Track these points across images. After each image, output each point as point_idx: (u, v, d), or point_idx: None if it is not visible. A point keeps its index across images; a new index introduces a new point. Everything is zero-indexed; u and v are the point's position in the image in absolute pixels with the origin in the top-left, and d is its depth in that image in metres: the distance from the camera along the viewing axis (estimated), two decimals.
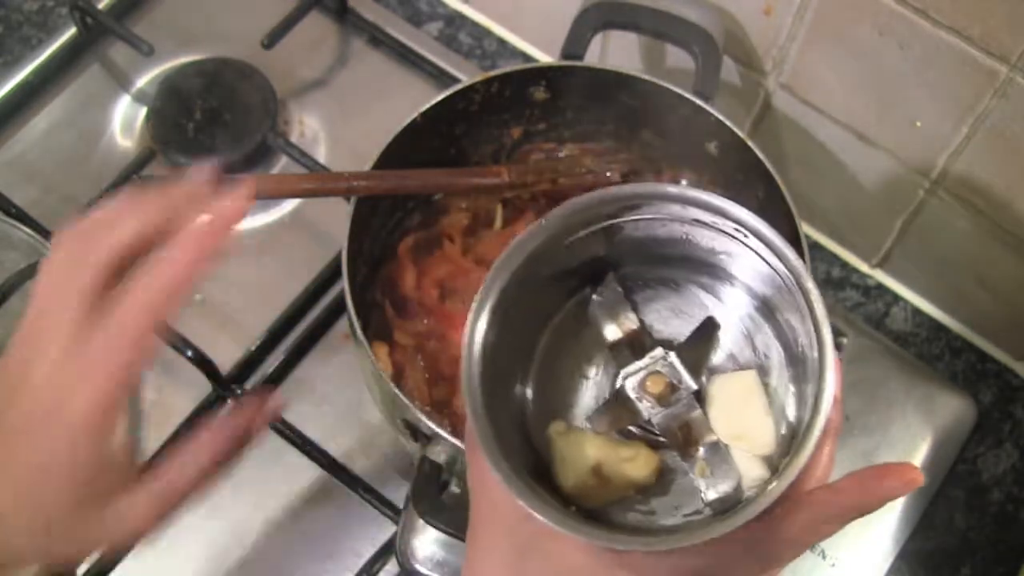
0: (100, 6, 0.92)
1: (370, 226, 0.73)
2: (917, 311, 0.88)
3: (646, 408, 0.44)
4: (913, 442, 0.81)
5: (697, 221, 0.44)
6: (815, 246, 0.90)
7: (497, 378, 0.44)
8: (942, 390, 0.83)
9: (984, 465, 0.82)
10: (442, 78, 0.91)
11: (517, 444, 0.45)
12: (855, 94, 0.76)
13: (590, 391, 0.47)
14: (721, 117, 0.73)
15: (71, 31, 0.91)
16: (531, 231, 0.44)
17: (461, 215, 0.79)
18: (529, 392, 0.47)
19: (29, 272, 0.81)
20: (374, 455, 0.78)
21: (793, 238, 0.70)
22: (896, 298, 0.88)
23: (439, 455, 0.66)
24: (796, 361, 0.45)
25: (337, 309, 0.82)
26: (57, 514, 0.46)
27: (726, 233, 0.44)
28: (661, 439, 0.44)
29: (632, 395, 0.44)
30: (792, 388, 0.45)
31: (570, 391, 0.47)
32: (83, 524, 0.47)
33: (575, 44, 0.76)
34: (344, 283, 0.67)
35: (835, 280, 0.89)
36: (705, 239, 0.45)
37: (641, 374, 0.44)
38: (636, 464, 0.44)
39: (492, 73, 0.74)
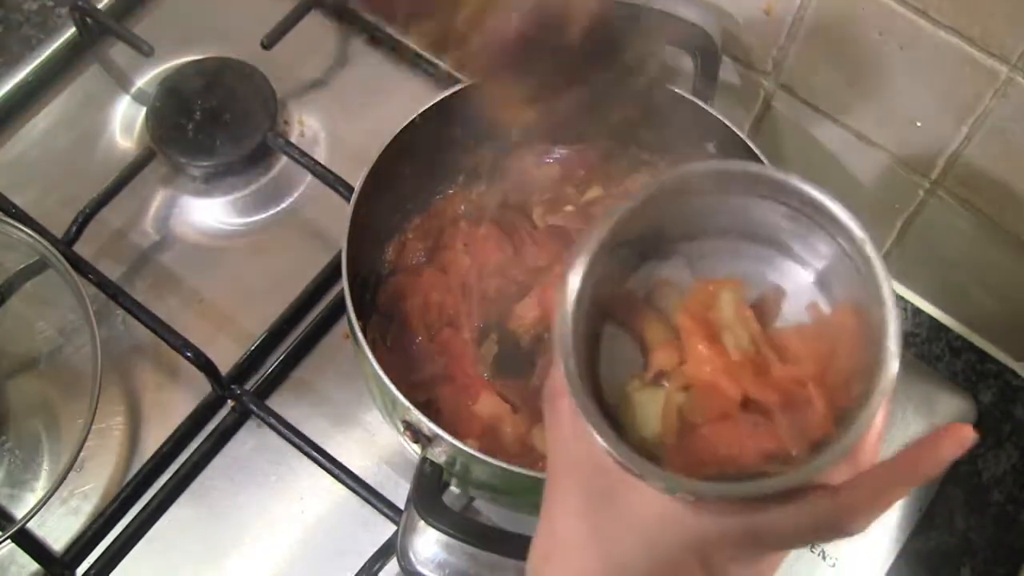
0: (100, 6, 0.92)
1: (369, 227, 0.73)
2: (917, 311, 0.88)
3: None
4: None
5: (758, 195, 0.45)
6: None
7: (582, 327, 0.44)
8: (942, 390, 0.83)
9: (984, 465, 0.82)
10: (441, 78, 0.91)
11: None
12: (855, 94, 0.76)
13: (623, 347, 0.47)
14: (721, 117, 0.73)
15: (71, 31, 0.91)
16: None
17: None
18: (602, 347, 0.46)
19: (29, 272, 0.81)
20: (374, 455, 0.79)
21: None
22: (896, 298, 0.88)
23: (439, 456, 0.66)
24: None
25: (337, 309, 0.82)
26: None
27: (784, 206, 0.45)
28: None
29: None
30: None
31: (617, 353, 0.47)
32: None
33: None
34: (344, 283, 0.67)
35: None
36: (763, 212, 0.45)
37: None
38: None
39: None
